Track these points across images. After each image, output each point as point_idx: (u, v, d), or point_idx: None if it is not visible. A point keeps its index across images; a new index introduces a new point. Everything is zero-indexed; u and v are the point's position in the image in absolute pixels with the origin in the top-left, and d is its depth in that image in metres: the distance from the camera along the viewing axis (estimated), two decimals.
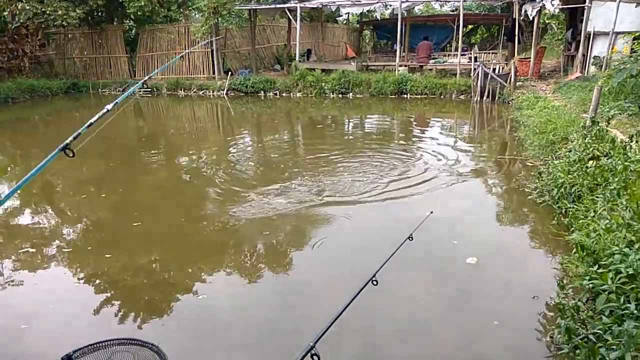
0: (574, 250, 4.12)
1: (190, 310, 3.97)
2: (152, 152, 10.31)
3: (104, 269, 4.69)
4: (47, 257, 5.03)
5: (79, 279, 4.54)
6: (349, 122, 13.89)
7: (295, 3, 18.55)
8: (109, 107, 2.49)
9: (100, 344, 1.55)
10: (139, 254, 5.01)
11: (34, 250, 5.15)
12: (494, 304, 3.92)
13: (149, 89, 19.89)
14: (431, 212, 2.98)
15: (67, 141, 2.22)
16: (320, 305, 3.83)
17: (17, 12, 18.87)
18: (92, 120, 2.45)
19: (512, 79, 14.51)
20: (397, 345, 3.45)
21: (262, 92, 18.21)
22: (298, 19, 18.73)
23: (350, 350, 3.31)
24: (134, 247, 5.23)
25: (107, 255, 4.94)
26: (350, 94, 17.28)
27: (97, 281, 4.49)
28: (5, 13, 19.55)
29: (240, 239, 5.31)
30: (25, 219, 6.25)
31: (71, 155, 1.84)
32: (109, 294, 4.21)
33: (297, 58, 19.17)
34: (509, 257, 4.80)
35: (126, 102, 18.21)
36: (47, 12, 18.44)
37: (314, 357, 1.53)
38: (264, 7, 19.19)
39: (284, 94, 18.03)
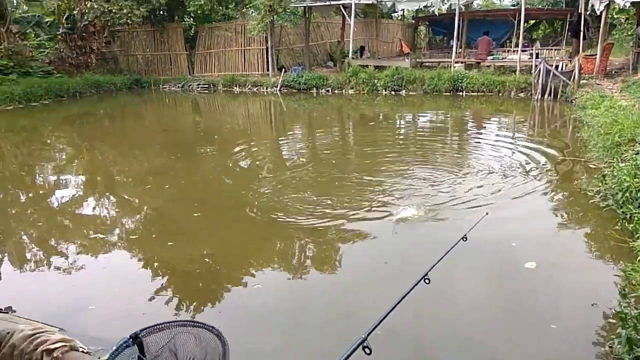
0: (639, 257, 3.91)
1: (245, 299, 4.11)
2: (210, 146, 10.66)
3: (166, 256, 4.94)
4: (114, 243, 5.34)
5: (143, 264, 4.80)
6: (402, 120, 13.74)
7: (350, 0, 18.53)
8: None
9: (165, 325, 1.66)
10: (199, 243, 5.21)
11: (102, 236, 5.48)
12: (551, 309, 3.79)
13: (206, 85, 20.55)
14: (487, 214, 2.92)
15: None
16: (373, 301, 3.86)
17: (86, 10, 20.02)
18: None
19: (576, 77, 13.83)
20: (447, 345, 3.43)
21: (315, 88, 18.35)
22: (352, 15, 18.71)
23: (400, 347, 3.32)
24: (194, 236, 5.46)
25: (169, 243, 5.19)
26: (403, 91, 17.08)
27: (160, 267, 4.73)
28: (75, 12, 20.77)
29: (294, 233, 5.41)
30: (93, 207, 6.67)
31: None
32: (170, 280, 4.44)
33: (350, 55, 19.16)
34: (568, 262, 4.62)
35: (184, 97, 18.88)
36: (113, 10, 19.44)
37: (366, 349, 1.56)
38: (319, 4, 19.29)
39: (336, 91, 18.09)
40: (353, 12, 18.69)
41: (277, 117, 15.33)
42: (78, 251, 5.11)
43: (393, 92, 17.13)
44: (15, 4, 22.43)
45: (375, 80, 17.38)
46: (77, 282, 4.53)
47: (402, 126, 12.82)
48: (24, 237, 5.66)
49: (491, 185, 6.67)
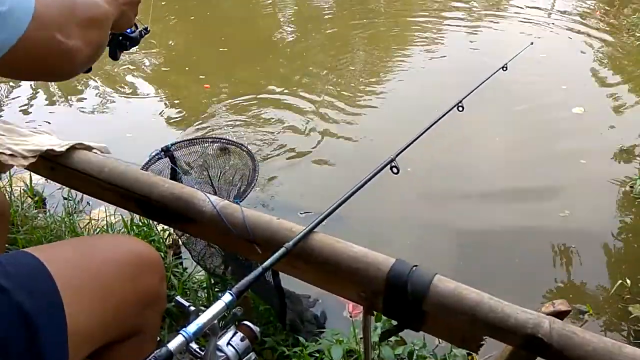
0: None
1: (277, 125, 4.16)
2: None
3: (199, 90, 4.87)
4: (145, 75, 5.26)
5: (175, 98, 4.76)
6: None
7: None
8: None
9: (196, 140, 1.67)
10: (227, 76, 5.11)
11: (133, 67, 5.38)
12: (585, 149, 3.73)
13: None
14: (532, 44, 2.69)
15: None
16: (406, 127, 3.84)
17: None
18: None
19: None
20: (473, 171, 3.54)
21: None
22: None
23: (428, 165, 3.47)
24: (224, 73, 5.30)
25: (201, 77, 5.08)
26: None
27: (190, 100, 4.70)
28: None
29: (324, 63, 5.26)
30: None
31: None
32: (206, 117, 4.40)
33: None
34: (613, 112, 4.37)
35: None
36: None
37: (394, 168, 1.55)
38: None
39: None
40: None
41: None
42: (109, 88, 5.05)
43: None
44: None
45: None
46: (114, 116, 4.52)
47: None
48: None
49: (539, 23, 6.18)
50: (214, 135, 3.75)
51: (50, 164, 1.46)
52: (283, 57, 5.63)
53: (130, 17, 0.97)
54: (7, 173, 2.64)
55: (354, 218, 3.01)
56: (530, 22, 6.23)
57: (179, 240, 2.12)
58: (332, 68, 5.20)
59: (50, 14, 0.65)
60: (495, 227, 3.08)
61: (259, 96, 4.62)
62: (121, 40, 1.15)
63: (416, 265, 1.06)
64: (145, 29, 1.21)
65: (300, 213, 3.19)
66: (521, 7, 6.76)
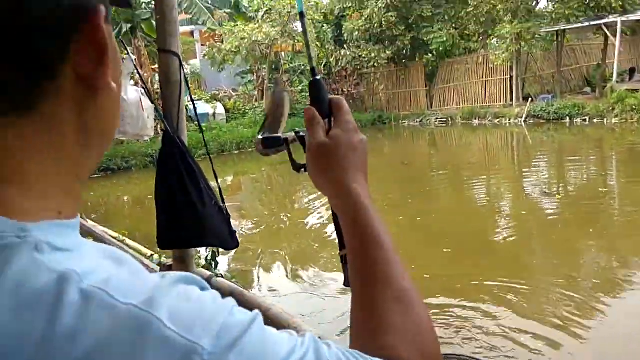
0: None
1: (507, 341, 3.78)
2: (446, 181, 10.53)
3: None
4: None
5: None
6: None
7: (616, 17, 16.18)
8: None
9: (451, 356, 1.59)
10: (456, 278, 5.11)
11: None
12: None
13: (444, 119, 20.60)
14: None
15: None
16: None
17: (340, 57, 22.58)
18: None
19: None
20: None
21: (568, 118, 16.44)
22: (618, 34, 16.28)
23: None
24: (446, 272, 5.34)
25: (425, 275, 5.13)
26: None
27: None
28: (331, 59, 23.65)
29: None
30: None
31: None
32: None
33: (614, 78, 16.62)
34: None
35: (421, 132, 19.32)
36: (362, 55, 21.40)
37: None
38: (575, 26, 17.40)
39: (594, 120, 15.83)
40: (619, 30, 16.25)
41: (521, 150, 14.24)
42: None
43: None
44: (286, 57, 26.69)
45: None
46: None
47: None
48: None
49: None
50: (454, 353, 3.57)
51: None
52: (506, 262, 5.40)
53: None
54: None
55: None
56: None
57: None
58: (559, 275, 4.73)
59: None
60: None
61: (482, 302, 4.38)
62: None
63: None
64: None
65: None
66: None
